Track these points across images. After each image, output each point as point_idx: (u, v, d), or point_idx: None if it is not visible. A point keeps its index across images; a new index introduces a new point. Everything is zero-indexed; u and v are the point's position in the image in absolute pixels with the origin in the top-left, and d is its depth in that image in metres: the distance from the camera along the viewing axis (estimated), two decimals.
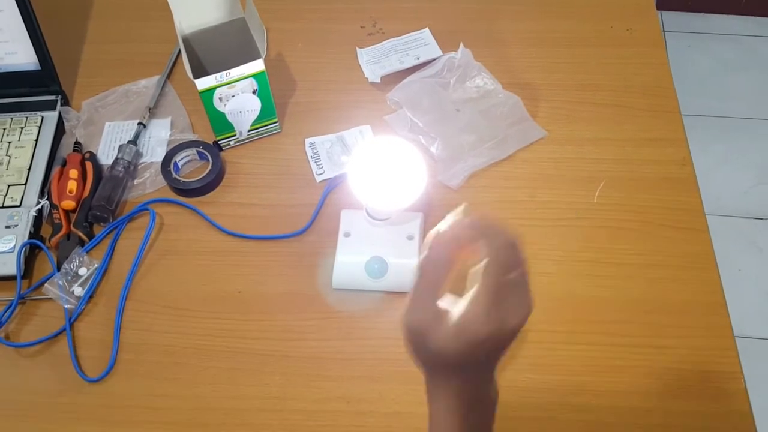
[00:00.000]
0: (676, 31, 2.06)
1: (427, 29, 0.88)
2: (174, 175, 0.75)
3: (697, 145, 1.77)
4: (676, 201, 0.72)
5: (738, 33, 2.05)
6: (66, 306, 0.66)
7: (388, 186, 0.63)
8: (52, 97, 0.81)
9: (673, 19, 2.09)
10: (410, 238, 0.68)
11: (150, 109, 0.80)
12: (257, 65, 0.70)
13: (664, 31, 2.06)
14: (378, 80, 0.82)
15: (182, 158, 0.76)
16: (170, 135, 0.79)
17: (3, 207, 0.72)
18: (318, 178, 0.75)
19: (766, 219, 1.69)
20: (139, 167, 0.77)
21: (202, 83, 0.69)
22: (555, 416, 0.60)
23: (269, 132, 0.79)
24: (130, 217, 0.73)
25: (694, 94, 1.91)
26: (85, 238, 0.71)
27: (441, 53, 0.84)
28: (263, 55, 0.70)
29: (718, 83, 1.95)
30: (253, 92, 0.73)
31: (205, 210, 0.73)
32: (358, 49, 0.86)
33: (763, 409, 1.36)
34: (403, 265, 0.66)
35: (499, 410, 0.60)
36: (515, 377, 0.62)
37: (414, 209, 0.69)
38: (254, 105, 0.74)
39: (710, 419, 0.59)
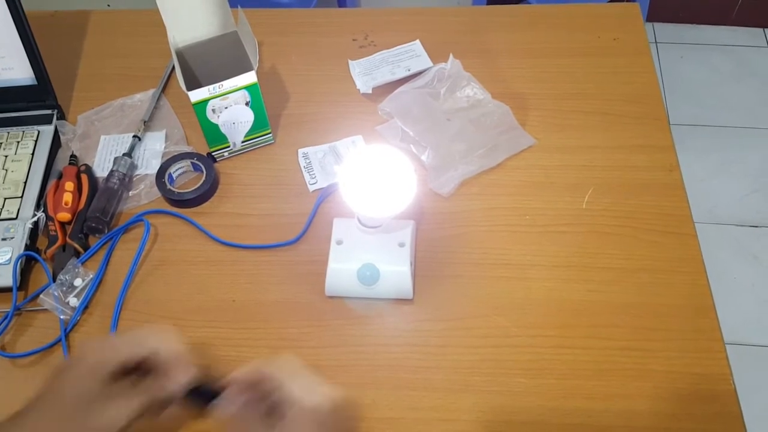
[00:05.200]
0: (669, 43, 2.08)
1: (417, 41, 0.89)
2: (168, 187, 0.75)
3: (692, 154, 1.80)
4: (665, 206, 0.73)
5: (730, 44, 2.08)
6: (61, 316, 0.67)
7: (379, 194, 0.64)
8: (49, 112, 0.82)
9: (665, 30, 2.11)
10: (401, 245, 0.68)
11: (145, 122, 0.82)
12: (249, 77, 0.71)
13: (656, 42, 2.08)
14: (370, 91, 0.83)
15: (177, 170, 0.77)
16: (165, 147, 0.80)
17: None
18: (311, 188, 0.76)
19: (760, 227, 1.70)
20: (134, 179, 0.78)
21: (195, 95, 0.70)
22: (546, 420, 0.60)
23: (263, 143, 0.80)
24: (125, 228, 0.74)
25: (688, 104, 1.93)
26: (80, 249, 0.72)
27: (431, 64, 0.85)
28: (255, 67, 0.72)
29: (711, 93, 1.96)
30: (246, 104, 0.74)
31: (200, 220, 0.74)
32: (350, 61, 0.88)
33: (760, 415, 1.37)
34: (395, 272, 0.67)
35: (491, 414, 0.61)
36: (506, 381, 0.62)
37: (406, 217, 0.70)
38: (247, 116, 0.75)
39: (700, 421, 0.59)
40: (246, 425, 0.48)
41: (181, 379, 0.49)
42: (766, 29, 2.11)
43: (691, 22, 2.12)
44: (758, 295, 1.59)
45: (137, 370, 0.49)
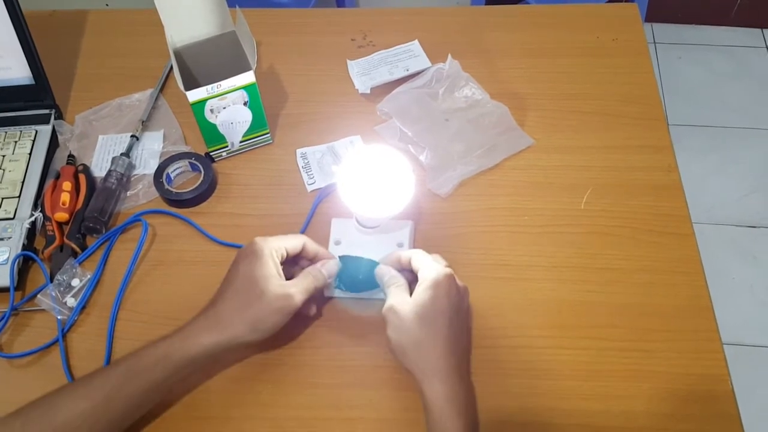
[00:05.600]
0: (667, 43, 2.09)
1: (416, 41, 0.89)
2: (166, 187, 0.75)
3: (690, 154, 1.80)
4: (663, 207, 0.73)
5: (728, 44, 2.08)
6: (59, 317, 0.67)
7: (377, 194, 0.64)
8: (46, 111, 0.82)
9: (663, 30, 2.11)
10: (400, 245, 0.68)
11: (143, 121, 0.81)
12: (248, 77, 0.71)
13: (654, 42, 2.08)
14: (368, 91, 0.83)
15: (175, 170, 0.77)
16: (163, 147, 0.80)
17: None
18: (309, 188, 0.76)
19: (759, 227, 1.70)
20: (132, 179, 0.78)
21: (193, 95, 0.70)
22: (544, 421, 0.60)
23: (261, 143, 0.80)
24: (123, 229, 0.73)
25: (686, 105, 1.93)
26: (77, 249, 0.71)
27: (430, 64, 0.85)
28: (253, 67, 0.71)
29: (709, 93, 1.97)
30: (244, 104, 0.74)
31: (198, 220, 0.74)
32: (348, 61, 0.88)
33: (759, 416, 1.37)
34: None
35: (489, 415, 0.61)
36: (504, 382, 0.62)
37: (404, 217, 0.70)
38: (245, 116, 0.75)
39: (698, 422, 0.59)
40: (392, 290, 0.61)
41: (332, 262, 0.64)
42: (764, 30, 2.11)
43: (690, 23, 2.12)
44: (757, 296, 1.59)
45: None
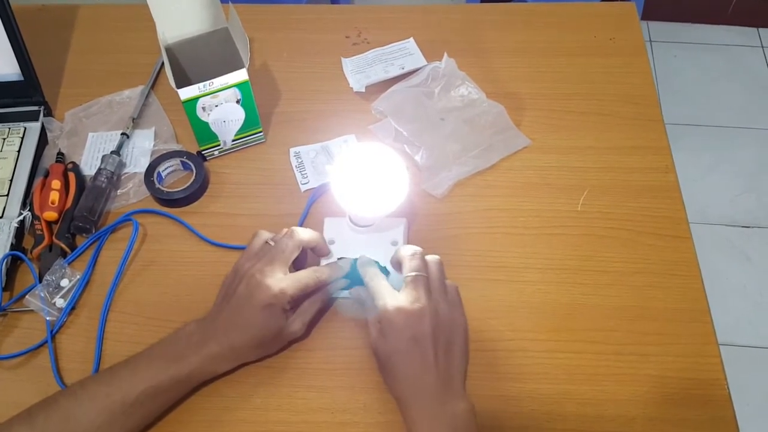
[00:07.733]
0: (663, 41, 2.08)
1: (411, 39, 0.88)
2: (157, 185, 0.74)
3: (684, 154, 1.80)
4: (660, 209, 0.72)
5: (724, 43, 2.08)
6: (48, 318, 0.66)
7: (371, 193, 0.63)
8: (35, 108, 0.81)
9: (659, 29, 2.11)
10: (394, 244, 0.67)
11: (134, 119, 0.80)
12: (240, 75, 0.70)
13: (650, 41, 2.08)
14: (363, 90, 0.82)
15: (166, 168, 0.76)
16: (154, 145, 0.79)
17: None
18: (303, 188, 0.75)
19: (753, 227, 1.70)
20: (123, 177, 0.76)
21: (185, 93, 0.69)
22: (539, 425, 0.60)
23: (254, 142, 0.79)
24: (113, 228, 0.72)
25: (681, 104, 1.93)
26: (67, 249, 0.70)
27: (426, 63, 0.84)
28: (246, 64, 0.70)
29: (704, 92, 1.96)
30: (237, 102, 0.73)
31: (189, 220, 0.73)
32: (343, 59, 0.87)
33: (753, 416, 1.37)
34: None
35: (484, 420, 0.60)
36: (499, 386, 0.62)
37: (398, 217, 0.69)
38: (238, 114, 0.74)
39: (694, 426, 0.59)
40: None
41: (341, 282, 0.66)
42: (760, 29, 2.11)
43: (686, 21, 2.12)
44: (751, 296, 1.59)
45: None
